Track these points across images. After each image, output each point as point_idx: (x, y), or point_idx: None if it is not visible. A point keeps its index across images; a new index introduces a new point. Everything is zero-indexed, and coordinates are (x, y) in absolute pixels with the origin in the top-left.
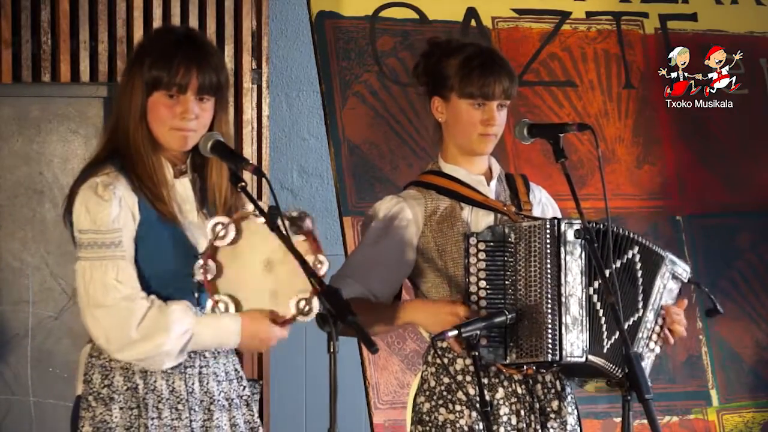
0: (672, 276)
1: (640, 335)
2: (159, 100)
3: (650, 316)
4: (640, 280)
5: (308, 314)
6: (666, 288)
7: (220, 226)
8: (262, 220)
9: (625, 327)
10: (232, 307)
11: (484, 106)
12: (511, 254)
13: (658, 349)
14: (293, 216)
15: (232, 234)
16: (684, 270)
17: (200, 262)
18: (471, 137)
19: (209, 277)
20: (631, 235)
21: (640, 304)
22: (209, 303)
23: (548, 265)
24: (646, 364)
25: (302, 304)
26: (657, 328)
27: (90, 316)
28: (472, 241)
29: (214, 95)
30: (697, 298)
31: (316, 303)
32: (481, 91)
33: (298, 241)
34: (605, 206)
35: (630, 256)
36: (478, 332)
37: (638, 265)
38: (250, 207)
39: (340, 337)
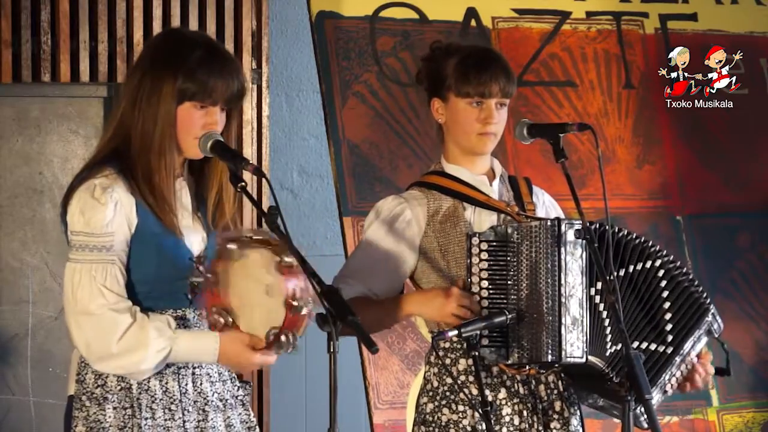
0: (708, 330)
1: (664, 376)
2: (189, 110)
3: (677, 360)
4: (668, 305)
5: (285, 348)
6: (699, 339)
7: (222, 243)
8: (263, 250)
9: (643, 347)
10: (226, 322)
11: (482, 105)
12: (513, 254)
13: (670, 393)
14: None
15: (233, 246)
16: (719, 326)
17: (204, 273)
18: (470, 137)
19: (213, 293)
20: (651, 247)
21: (669, 339)
22: (207, 318)
23: (548, 266)
24: (657, 401)
25: (272, 336)
26: (679, 374)
27: (74, 321)
28: (475, 240)
29: (234, 105)
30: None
31: (290, 337)
32: (478, 89)
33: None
34: (605, 206)
35: (648, 266)
36: (479, 332)
37: (662, 284)
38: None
39: (340, 337)
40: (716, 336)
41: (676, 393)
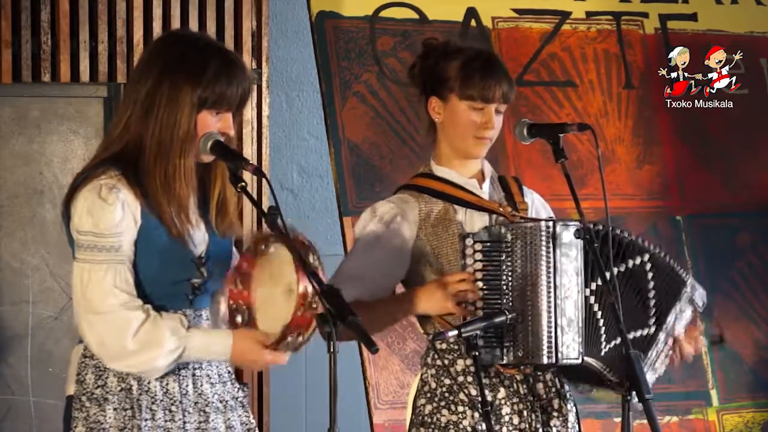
0: (689, 300)
1: (650, 354)
2: (206, 117)
3: (662, 336)
4: (652, 293)
5: (294, 346)
6: (682, 312)
7: (258, 241)
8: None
9: (631, 337)
10: (242, 318)
11: (483, 109)
12: (507, 254)
13: (662, 371)
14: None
15: (262, 247)
16: (701, 297)
17: (229, 274)
18: (467, 140)
19: (236, 289)
20: (642, 242)
21: (652, 321)
22: (223, 307)
23: (543, 267)
24: (650, 380)
25: (283, 333)
26: (667, 350)
27: (85, 320)
28: (468, 241)
29: (243, 107)
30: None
31: (298, 337)
32: (482, 93)
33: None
34: (605, 206)
35: (638, 262)
36: (478, 332)
37: (650, 276)
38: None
39: (341, 343)
40: (700, 308)
41: (669, 370)
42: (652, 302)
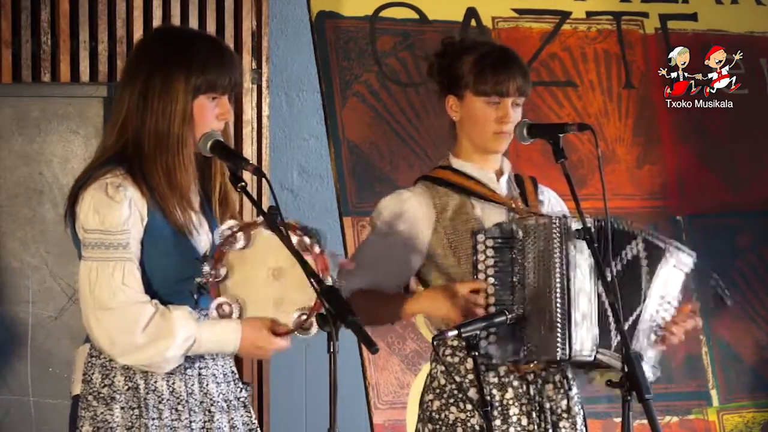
0: (674, 264)
1: (641, 326)
2: (203, 103)
3: (651, 306)
4: (644, 271)
5: (309, 329)
6: (669, 277)
7: (228, 231)
8: (266, 233)
9: (629, 321)
10: (236, 311)
11: (499, 104)
12: (519, 251)
13: (657, 336)
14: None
15: (241, 242)
16: (689, 256)
17: (206, 267)
18: (486, 135)
19: (214, 281)
20: (632, 229)
21: (642, 296)
22: (213, 304)
23: (557, 262)
24: (652, 356)
25: (303, 317)
26: (660, 319)
27: (94, 318)
28: (480, 237)
29: (235, 91)
30: (697, 297)
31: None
32: (495, 88)
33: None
34: (605, 206)
35: (635, 252)
36: (479, 332)
37: (643, 260)
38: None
39: (340, 337)
40: (686, 270)
41: (670, 368)
42: (644, 281)
